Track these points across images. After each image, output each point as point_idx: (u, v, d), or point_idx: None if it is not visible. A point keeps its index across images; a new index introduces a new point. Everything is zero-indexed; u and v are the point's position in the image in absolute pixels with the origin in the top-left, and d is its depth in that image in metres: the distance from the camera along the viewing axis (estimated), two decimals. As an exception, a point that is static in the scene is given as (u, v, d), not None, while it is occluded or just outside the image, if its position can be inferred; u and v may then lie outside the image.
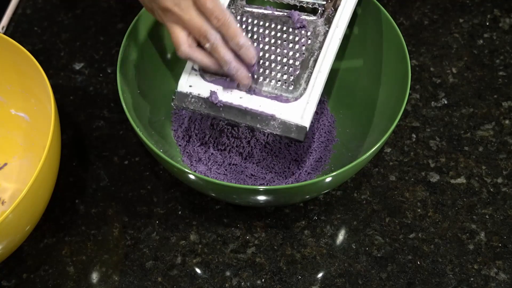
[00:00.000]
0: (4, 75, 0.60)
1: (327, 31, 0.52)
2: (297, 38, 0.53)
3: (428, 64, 0.69)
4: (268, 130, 0.52)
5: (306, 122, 0.51)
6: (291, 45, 0.53)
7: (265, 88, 0.53)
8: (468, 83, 0.67)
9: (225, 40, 0.50)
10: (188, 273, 0.56)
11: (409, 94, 0.64)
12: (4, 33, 0.73)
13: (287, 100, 0.52)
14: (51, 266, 0.56)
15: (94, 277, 0.56)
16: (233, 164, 0.58)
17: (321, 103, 0.63)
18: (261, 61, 0.53)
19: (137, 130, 0.51)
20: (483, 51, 0.70)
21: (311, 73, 0.52)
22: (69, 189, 0.61)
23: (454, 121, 0.64)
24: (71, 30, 0.73)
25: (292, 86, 0.52)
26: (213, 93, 0.53)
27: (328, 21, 0.53)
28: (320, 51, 0.52)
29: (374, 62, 0.60)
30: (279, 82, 0.53)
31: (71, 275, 0.56)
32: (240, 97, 0.53)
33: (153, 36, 0.61)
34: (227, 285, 0.55)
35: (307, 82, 0.52)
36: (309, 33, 0.53)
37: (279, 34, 0.54)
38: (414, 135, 0.63)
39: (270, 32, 0.54)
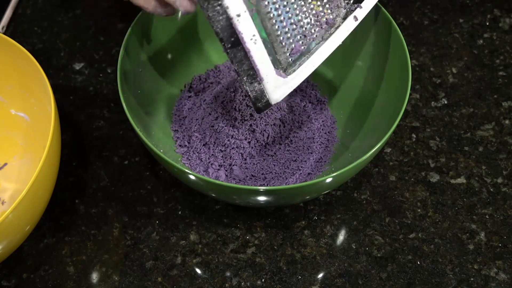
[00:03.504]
0: (4, 75, 0.60)
1: (339, 26, 0.51)
2: (327, 14, 0.50)
3: (428, 64, 0.69)
4: (246, 87, 0.49)
5: (275, 100, 0.50)
6: (314, 18, 0.50)
7: (274, 44, 0.49)
8: (468, 83, 0.67)
9: None
10: (188, 273, 0.56)
11: (409, 94, 0.64)
12: (4, 33, 0.72)
13: (278, 71, 0.49)
14: (51, 266, 0.56)
15: (94, 277, 0.56)
16: (233, 165, 0.58)
17: (321, 103, 0.63)
18: (288, 15, 0.49)
19: (137, 130, 0.51)
20: (483, 51, 0.70)
21: (307, 59, 0.50)
22: (69, 189, 0.61)
23: (454, 121, 0.64)
24: (71, 30, 0.73)
25: (291, 60, 0.50)
26: (238, 16, 0.46)
27: (345, 17, 0.51)
28: (324, 43, 0.51)
29: (374, 62, 0.60)
30: (281, 46, 0.49)
31: (71, 275, 0.56)
32: (251, 38, 0.46)
33: (153, 36, 0.61)
34: (227, 285, 0.55)
35: (299, 66, 0.50)
36: (332, 16, 0.50)
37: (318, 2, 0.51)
38: (414, 135, 0.63)
39: None
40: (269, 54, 0.49)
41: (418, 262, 0.56)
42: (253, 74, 0.49)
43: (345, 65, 0.63)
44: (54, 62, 0.71)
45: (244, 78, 0.49)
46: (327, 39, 0.51)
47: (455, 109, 0.65)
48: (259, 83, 0.49)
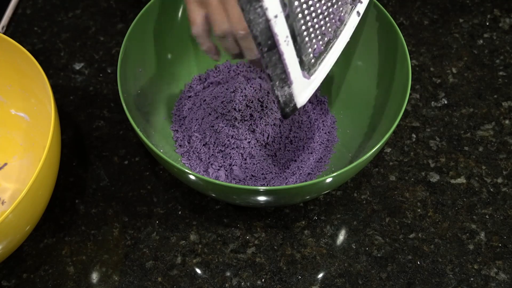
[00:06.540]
0: (4, 75, 0.60)
1: (346, 23, 0.51)
2: (340, 12, 0.49)
3: (428, 64, 0.69)
4: (277, 92, 0.49)
5: (301, 104, 0.50)
6: (332, 15, 0.50)
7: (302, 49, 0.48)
8: (468, 83, 0.67)
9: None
10: (188, 273, 0.56)
11: (409, 94, 0.64)
12: (4, 33, 0.72)
13: (304, 72, 0.49)
14: (51, 266, 0.56)
15: (94, 277, 0.56)
16: (233, 165, 0.58)
17: (321, 103, 0.63)
18: (312, 15, 0.49)
19: (137, 130, 0.51)
20: (483, 51, 0.70)
21: (324, 58, 0.50)
22: (69, 189, 0.61)
23: (454, 121, 0.64)
24: (71, 30, 0.73)
25: (314, 61, 0.49)
26: (275, 18, 0.45)
27: (350, 13, 0.51)
28: (336, 40, 0.50)
29: (374, 62, 0.60)
30: (307, 46, 0.48)
31: (71, 275, 0.56)
32: (285, 39, 0.46)
33: (153, 36, 0.61)
34: (227, 285, 0.55)
35: (319, 65, 0.50)
36: (343, 13, 0.50)
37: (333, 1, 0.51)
38: (414, 135, 0.63)
39: None
40: (297, 56, 0.48)
41: (418, 262, 0.56)
42: (285, 78, 0.48)
43: (345, 65, 0.63)
44: (54, 62, 0.71)
45: (277, 83, 0.48)
46: (338, 36, 0.51)
47: (455, 109, 0.65)
48: (289, 87, 0.49)
